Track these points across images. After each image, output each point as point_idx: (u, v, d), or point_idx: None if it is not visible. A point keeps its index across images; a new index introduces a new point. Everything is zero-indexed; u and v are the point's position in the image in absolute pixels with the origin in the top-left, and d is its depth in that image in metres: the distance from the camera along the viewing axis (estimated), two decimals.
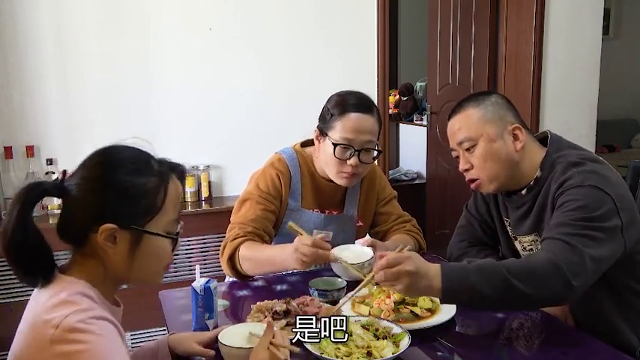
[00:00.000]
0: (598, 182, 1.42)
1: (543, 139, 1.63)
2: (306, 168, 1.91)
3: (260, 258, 1.73)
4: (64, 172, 1.09)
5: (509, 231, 1.70)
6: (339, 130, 1.75)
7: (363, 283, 1.44)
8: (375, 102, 3.22)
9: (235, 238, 1.77)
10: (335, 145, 1.75)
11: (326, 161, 1.82)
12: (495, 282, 1.30)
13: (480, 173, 1.58)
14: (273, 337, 1.14)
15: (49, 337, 0.91)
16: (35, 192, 1.03)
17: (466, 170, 1.61)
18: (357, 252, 1.70)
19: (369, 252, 1.68)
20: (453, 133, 1.61)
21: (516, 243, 1.69)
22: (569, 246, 1.34)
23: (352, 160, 1.76)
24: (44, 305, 0.97)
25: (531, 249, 1.63)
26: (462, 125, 1.58)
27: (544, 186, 1.54)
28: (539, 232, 1.57)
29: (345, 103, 1.78)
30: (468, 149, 1.57)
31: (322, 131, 1.81)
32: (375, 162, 1.91)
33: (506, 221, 1.71)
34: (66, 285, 1.00)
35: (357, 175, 1.82)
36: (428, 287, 1.31)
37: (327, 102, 1.84)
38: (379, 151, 1.83)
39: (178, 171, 1.14)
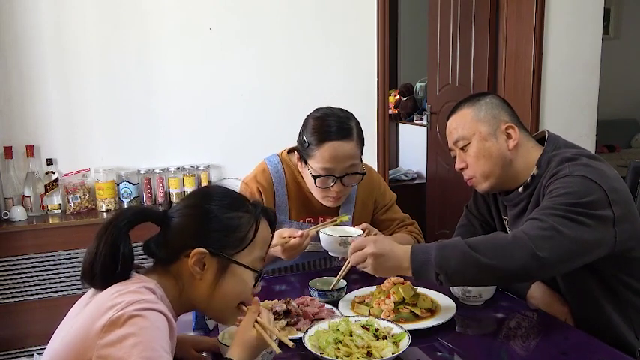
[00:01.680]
0: (588, 173, 1.42)
1: (542, 139, 1.63)
2: (293, 178, 1.86)
3: None
4: (171, 203, 1.16)
5: (508, 230, 1.70)
6: (317, 160, 1.70)
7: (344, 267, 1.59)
8: (375, 102, 3.29)
9: None
10: (315, 177, 1.72)
11: (310, 186, 1.79)
12: (457, 256, 1.33)
13: (473, 172, 1.60)
14: (259, 315, 1.15)
15: (108, 320, 0.95)
16: (138, 217, 1.11)
17: (461, 169, 1.63)
18: (347, 232, 1.76)
19: (359, 231, 1.75)
20: (450, 132, 1.65)
21: None
22: (540, 222, 1.36)
23: (335, 187, 1.73)
24: (112, 295, 1.01)
25: None
26: (457, 125, 1.62)
27: (539, 183, 1.55)
28: None
29: (322, 130, 1.70)
30: (462, 148, 1.61)
31: (302, 157, 1.77)
32: (374, 166, 1.90)
33: (505, 220, 1.71)
34: (137, 280, 1.06)
35: (344, 196, 1.80)
36: (398, 267, 1.40)
37: (304, 126, 1.77)
38: (363, 174, 1.78)
39: (270, 216, 1.21)
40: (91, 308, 1.02)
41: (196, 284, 1.12)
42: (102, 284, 1.05)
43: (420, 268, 1.36)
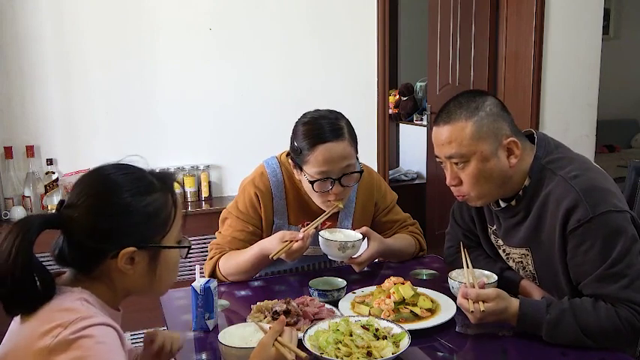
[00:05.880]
0: (607, 204, 1.36)
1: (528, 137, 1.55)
2: (291, 182, 1.83)
3: (242, 263, 1.74)
4: (62, 201, 1.06)
5: (493, 239, 1.66)
6: (312, 165, 1.67)
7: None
8: (375, 102, 3.29)
9: (212, 258, 1.81)
10: (312, 182, 1.69)
11: (308, 192, 1.75)
12: (569, 337, 1.33)
13: (469, 190, 1.48)
14: (281, 335, 1.13)
15: (48, 346, 0.89)
16: (33, 227, 0.98)
17: (454, 185, 1.50)
18: (347, 235, 1.75)
19: (359, 236, 1.73)
20: (441, 143, 1.47)
21: (500, 251, 1.65)
22: (624, 305, 1.34)
23: (334, 189, 1.70)
24: (44, 321, 0.93)
25: (520, 262, 1.59)
26: (452, 139, 1.44)
27: (537, 197, 1.46)
28: (531, 246, 1.52)
29: (312, 134, 1.67)
30: (456, 163, 1.46)
31: (296, 163, 1.73)
32: (374, 166, 1.89)
33: (490, 229, 1.65)
34: (65, 297, 0.99)
35: (345, 198, 1.76)
36: (504, 320, 1.39)
37: (294, 133, 1.73)
38: (361, 172, 1.76)
39: (173, 179, 1.15)
40: (24, 333, 0.94)
41: (129, 278, 1.05)
42: (30, 309, 0.96)
43: (524, 329, 1.37)
